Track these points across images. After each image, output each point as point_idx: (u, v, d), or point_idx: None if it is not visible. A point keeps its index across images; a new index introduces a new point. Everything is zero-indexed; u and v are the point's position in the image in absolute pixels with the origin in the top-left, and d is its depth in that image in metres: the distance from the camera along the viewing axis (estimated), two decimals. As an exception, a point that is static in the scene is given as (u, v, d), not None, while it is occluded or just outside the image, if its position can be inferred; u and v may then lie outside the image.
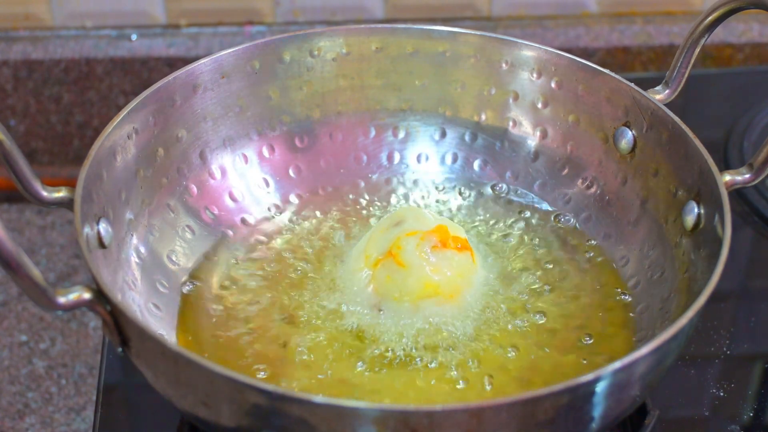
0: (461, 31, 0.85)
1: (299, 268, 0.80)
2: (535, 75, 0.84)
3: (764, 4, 0.74)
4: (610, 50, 1.11)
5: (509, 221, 0.84)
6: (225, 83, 0.83)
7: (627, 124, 0.80)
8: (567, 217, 0.84)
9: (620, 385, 0.61)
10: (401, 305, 0.74)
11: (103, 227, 0.71)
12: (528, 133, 0.86)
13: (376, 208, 0.86)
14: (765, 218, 0.93)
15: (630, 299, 0.77)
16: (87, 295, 0.62)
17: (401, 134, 0.88)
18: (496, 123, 0.87)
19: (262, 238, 0.82)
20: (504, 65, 0.85)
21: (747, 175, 0.73)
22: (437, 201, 0.86)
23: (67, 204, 0.69)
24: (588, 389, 0.59)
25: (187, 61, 1.03)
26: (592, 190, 0.83)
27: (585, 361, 0.72)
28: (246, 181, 0.85)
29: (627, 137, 0.80)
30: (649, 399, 0.73)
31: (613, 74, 0.81)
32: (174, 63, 1.09)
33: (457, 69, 0.86)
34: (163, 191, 0.79)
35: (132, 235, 0.76)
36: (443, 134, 0.88)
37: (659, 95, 0.80)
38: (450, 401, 0.69)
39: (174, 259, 0.79)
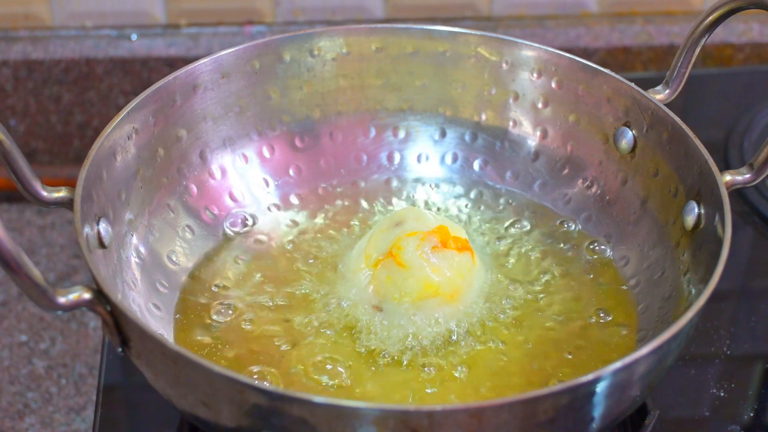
0: (461, 31, 0.85)
1: (299, 268, 0.80)
2: (535, 75, 0.84)
3: (764, 4, 0.74)
4: (611, 50, 1.11)
5: (510, 221, 0.84)
6: (225, 83, 0.83)
7: (627, 124, 0.80)
8: (567, 218, 0.84)
9: (620, 385, 0.61)
10: (401, 305, 0.74)
11: (103, 227, 0.71)
12: (528, 133, 0.86)
13: (377, 208, 0.86)
14: (765, 218, 0.93)
15: (630, 299, 0.77)
16: (87, 295, 0.62)
17: (401, 134, 0.88)
18: (496, 123, 0.87)
19: (262, 238, 0.82)
20: (504, 65, 0.85)
21: (747, 175, 0.73)
22: (437, 201, 0.86)
23: (67, 204, 0.69)
24: (588, 389, 0.59)
25: (187, 61, 1.02)
26: (593, 190, 0.83)
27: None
28: (246, 181, 0.85)
29: (627, 137, 0.80)
30: (650, 399, 0.73)
31: (613, 74, 0.81)
32: (174, 63, 1.09)
33: (457, 69, 0.86)
34: (163, 191, 0.79)
35: (132, 235, 0.76)
36: (443, 134, 0.88)
37: (659, 95, 0.80)
38: (450, 401, 0.69)
39: (174, 259, 0.79)
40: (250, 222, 0.83)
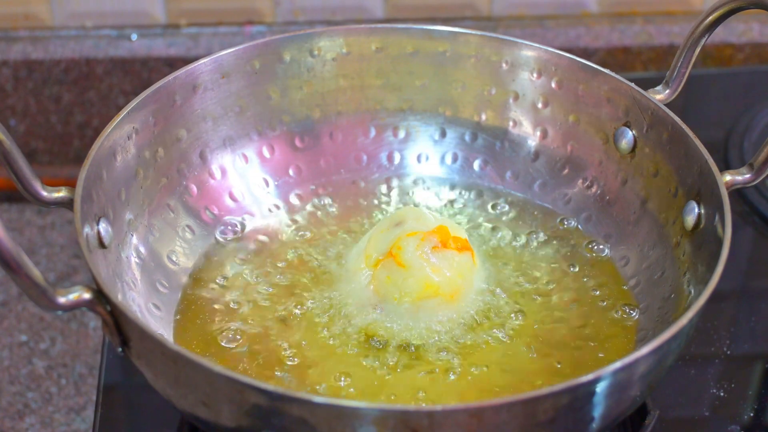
0: (461, 31, 0.85)
1: (299, 267, 0.80)
2: (535, 75, 0.84)
3: (764, 4, 0.74)
4: (611, 50, 1.11)
5: (509, 221, 0.84)
6: (225, 83, 0.83)
7: (627, 124, 0.80)
8: (567, 217, 0.84)
9: (621, 385, 0.61)
10: (401, 306, 0.74)
11: (103, 227, 0.71)
12: (528, 133, 0.86)
13: (376, 208, 0.86)
14: (765, 218, 0.93)
15: (630, 300, 0.77)
16: (87, 295, 0.62)
17: (401, 134, 0.88)
18: (496, 123, 0.87)
19: (262, 238, 0.82)
20: (504, 65, 0.85)
21: (747, 175, 0.73)
22: (437, 201, 0.86)
23: (67, 204, 0.69)
24: (588, 389, 0.59)
25: (187, 61, 1.02)
26: (593, 190, 0.83)
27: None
28: (246, 181, 0.85)
29: (627, 137, 0.80)
30: (650, 399, 0.73)
31: (613, 74, 0.81)
32: (174, 63, 1.09)
33: (457, 69, 0.86)
34: (163, 191, 0.79)
35: (132, 235, 0.76)
36: (443, 134, 0.88)
37: (659, 95, 0.80)
38: (450, 401, 0.69)
39: (174, 259, 0.79)
40: (250, 222, 0.83)
